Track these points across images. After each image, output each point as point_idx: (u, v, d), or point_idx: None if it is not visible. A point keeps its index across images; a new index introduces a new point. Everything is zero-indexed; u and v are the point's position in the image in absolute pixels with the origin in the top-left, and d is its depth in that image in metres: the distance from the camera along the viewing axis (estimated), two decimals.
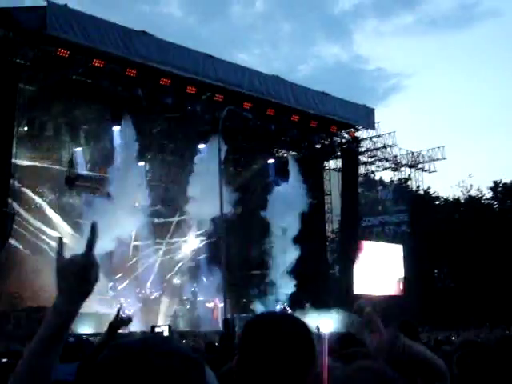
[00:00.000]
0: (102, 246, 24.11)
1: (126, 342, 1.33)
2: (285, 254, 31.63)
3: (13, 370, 1.78)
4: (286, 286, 31.48)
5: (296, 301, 30.23)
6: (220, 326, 25.93)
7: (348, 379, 1.69)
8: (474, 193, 45.91)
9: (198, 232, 30.96)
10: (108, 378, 1.25)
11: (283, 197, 32.03)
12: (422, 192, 42.41)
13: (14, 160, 23.94)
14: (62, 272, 1.83)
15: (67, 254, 1.88)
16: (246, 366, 1.99)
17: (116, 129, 27.70)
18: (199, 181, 28.01)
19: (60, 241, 1.92)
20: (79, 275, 1.81)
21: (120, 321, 5.68)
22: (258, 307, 30.35)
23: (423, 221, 39.94)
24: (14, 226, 24.53)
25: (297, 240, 31.72)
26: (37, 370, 1.76)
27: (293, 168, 33.30)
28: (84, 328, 20.62)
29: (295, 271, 31.89)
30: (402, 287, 37.20)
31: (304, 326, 2.09)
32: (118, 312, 5.57)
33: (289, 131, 32.33)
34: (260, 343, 1.98)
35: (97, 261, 1.84)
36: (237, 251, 29.95)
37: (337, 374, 1.84)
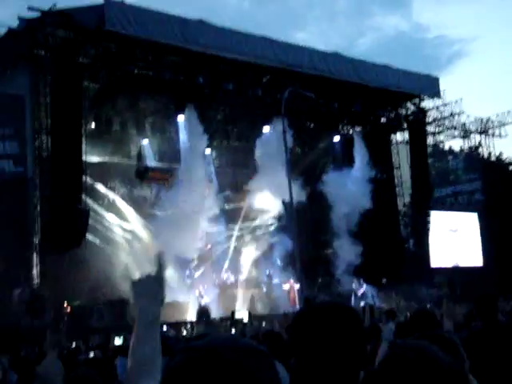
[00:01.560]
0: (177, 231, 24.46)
1: (195, 344, 1.35)
2: (349, 248, 31.11)
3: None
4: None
5: (373, 277, 30.00)
6: (298, 307, 26.02)
7: (396, 358, 1.67)
8: None
9: (269, 215, 30.97)
10: (185, 380, 1.27)
11: (351, 179, 31.86)
12: (493, 158, 41.38)
13: (84, 157, 24.52)
14: (141, 285, 2.25)
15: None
16: (299, 358, 2.02)
17: (180, 118, 27.99)
18: (266, 164, 28.02)
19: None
20: (156, 286, 2.25)
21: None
22: (335, 288, 30.45)
23: (497, 187, 39.02)
24: (89, 221, 25.13)
25: (365, 221, 31.42)
26: (143, 358, 2.13)
27: (359, 144, 33.02)
28: (164, 317, 20.93)
29: (367, 251, 31.62)
30: (480, 257, 36.51)
31: (354, 316, 2.09)
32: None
33: (353, 107, 32.02)
34: (309, 335, 2.00)
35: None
36: (308, 233, 29.87)
37: (388, 352, 1.82)
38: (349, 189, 31.13)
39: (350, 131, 35.46)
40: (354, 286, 29.19)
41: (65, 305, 23.29)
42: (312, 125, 33.54)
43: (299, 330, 2.06)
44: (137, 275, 2.34)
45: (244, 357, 1.28)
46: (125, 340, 14.32)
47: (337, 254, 31.54)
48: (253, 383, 1.25)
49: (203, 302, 26.19)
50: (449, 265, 33.54)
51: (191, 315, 25.39)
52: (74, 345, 15.88)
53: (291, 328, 2.12)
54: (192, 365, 1.27)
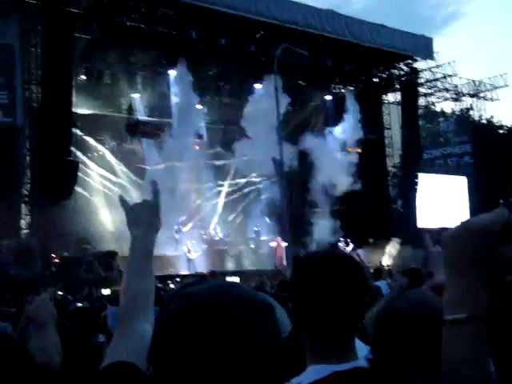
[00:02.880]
0: (166, 186, 24.33)
1: (194, 291, 1.29)
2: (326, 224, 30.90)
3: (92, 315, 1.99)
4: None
5: (360, 236, 30.17)
6: (285, 263, 26.23)
7: (401, 310, 1.68)
8: None
9: (259, 172, 30.94)
10: (180, 331, 1.22)
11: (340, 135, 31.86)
12: (484, 121, 41.39)
13: (74, 109, 24.36)
14: (135, 211, 2.13)
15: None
16: (298, 302, 2.03)
17: (172, 73, 27.80)
18: (257, 121, 27.90)
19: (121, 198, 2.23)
20: (151, 212, 2.12)
21: None
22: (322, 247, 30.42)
23: (487, 151, 39.11)
24: (78, 173, 25.09)
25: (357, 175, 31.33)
26: (138, 294, 1.98)
27: (351, 103, 32.93)
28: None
29: (356, 207, 31.65)
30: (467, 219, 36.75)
31: (355, 262, 2.11)
32: None
33: (345, 66, 31.83)
34: (310, 280, 2.01)
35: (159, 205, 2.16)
36: (297, 192, 29.88)
37: (393, 305, 1.83)
38: (334, 157, 30.99)
39: (342, 90, 35.33)
40: (341, 245, 29.36)
41: (53, 255, 23.37)
42: (304, 83, 33.31)
43: (302, 276, 2.07)
44: (131, 202, 2.20)
45: (244, 310, 1.24)
46: (112, 292, 14.40)
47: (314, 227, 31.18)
48: (251, 338, 1.22)
49: (191, 258, 26.36)
50: (436, 226, 33.72)
51: (179, 269, 25.59)
52: (60, 295, 15.94)
53: (293, 274, 2.12)
54: (189, 315, 1.23)
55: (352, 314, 2.00)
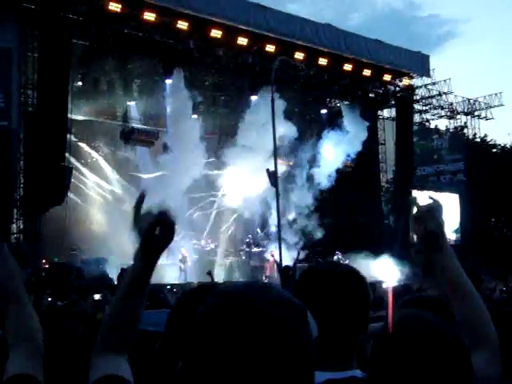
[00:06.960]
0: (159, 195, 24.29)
1: (231, 288, 1.29)
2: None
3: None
4: None
5: (352, 249, 30.13)
6: (276, 276, 26.13)
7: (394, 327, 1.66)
8: None
9: (252, 183, 30.87)
10: (217, 328, 1.21)
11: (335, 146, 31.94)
12: (478, 140, 41.53)
13: (69, 115, 24.32)
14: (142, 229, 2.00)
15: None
16: None
17: (168, 82, 27.80)
18: (252, 132, 27.90)
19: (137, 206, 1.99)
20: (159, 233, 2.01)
21: None
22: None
23: (480, 169, 39.20)
24: (71, 180, 25.02)
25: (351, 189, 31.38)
26: (125, 313, 1.94)
27: (346, 118, 32.95)
28: None
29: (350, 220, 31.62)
30: (458, 237, 36.79)
31: (359, 276, 2.12)
32: None
33: (342, 80, 31.90)
34: (315, 292, 2.02)
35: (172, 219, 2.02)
36: (291, 204, 29.81)
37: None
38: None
39: (338, 104, 35.40)
40: (335, 258, 29.31)
41: (43, 261, 23.26)
42: (300, 96, 33.36)
43: (306, 286, 2.07)
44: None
45: (281, 310, 1.23)
46: (105, 296, 14.38)
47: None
48: (289, 337, 1.21)
49: (184, 267, 26.20)
50: None
51: (169, 278, 25.46)
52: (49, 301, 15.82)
53: (297, 283, 2.12)
54: (228, 312, 1.22)
55: (354, 325, 2.01)
